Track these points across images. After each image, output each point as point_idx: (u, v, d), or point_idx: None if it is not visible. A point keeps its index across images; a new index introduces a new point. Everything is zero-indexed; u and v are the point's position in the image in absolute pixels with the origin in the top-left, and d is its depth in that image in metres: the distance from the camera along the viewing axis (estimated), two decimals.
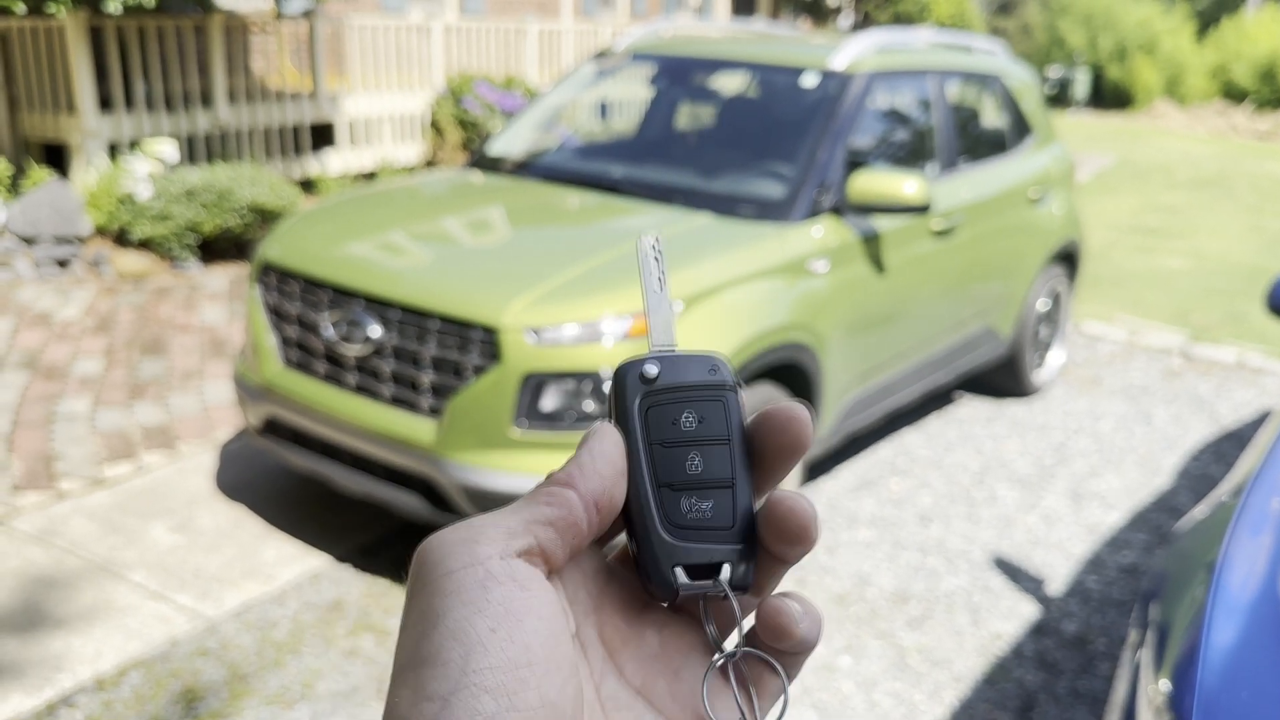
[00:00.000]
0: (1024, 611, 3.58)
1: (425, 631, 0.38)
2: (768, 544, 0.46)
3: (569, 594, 0.44)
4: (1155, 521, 4.27)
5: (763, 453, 0.47)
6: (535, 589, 0.40)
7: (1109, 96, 23.73)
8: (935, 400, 5.43)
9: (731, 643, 0.47)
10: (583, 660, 0.44)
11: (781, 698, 0.45)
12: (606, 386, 3.18)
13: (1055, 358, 5.74)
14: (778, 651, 0.45)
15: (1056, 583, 3.78)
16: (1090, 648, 3.38)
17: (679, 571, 0.45)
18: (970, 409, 5.41)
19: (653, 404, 0.46)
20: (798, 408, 0.46)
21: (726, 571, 0.45)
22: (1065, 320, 5.80)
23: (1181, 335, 6.80)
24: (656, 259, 0.49)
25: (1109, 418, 5.37)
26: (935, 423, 5.20)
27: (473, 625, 0.38)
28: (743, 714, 0.45)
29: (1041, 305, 5.44)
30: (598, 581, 0.46)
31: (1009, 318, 5.18)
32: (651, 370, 0.47)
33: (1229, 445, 5.08)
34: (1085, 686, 3.18)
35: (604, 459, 0.44)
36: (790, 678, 0.46)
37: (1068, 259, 5.66)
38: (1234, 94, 22.94)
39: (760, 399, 3.51)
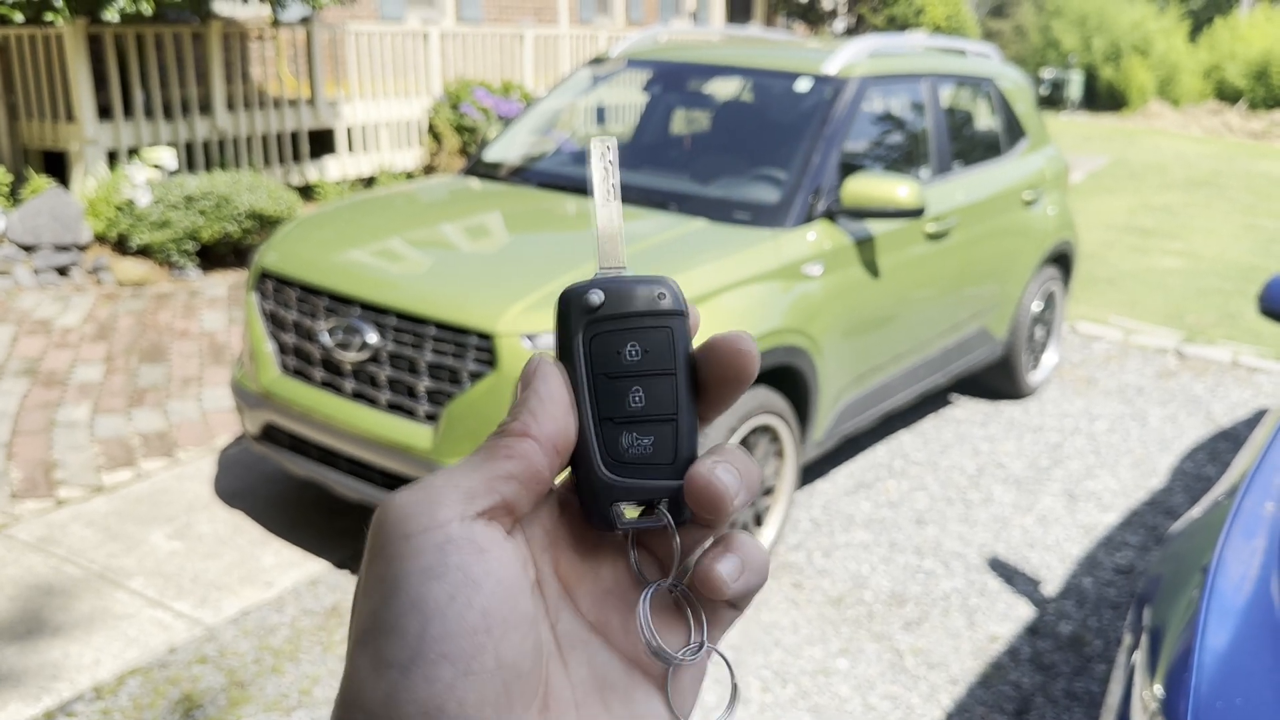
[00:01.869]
0: (1020, 613, 3.60)
1: (384, 599, 0.38)
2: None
3: (525, 533, 0.44)
4: (1151, 522, 4.29)
5: (707, 382, 0.45)
6: (494, 551, 0.40)
7: (1103, 97, 23.77)
8: (931, 402, 5.45)
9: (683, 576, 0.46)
10: (540, 601, 0.43)
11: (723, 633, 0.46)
12: None
13: (1050, 359, 5.76)
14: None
15: (1052, 584, 3.80)
16: (1086, 649, 3.40)
17: (619, 508, 0.44)
18: (965, 410, 5.43)
19: (596, 334, 0.45)
20: (744, 337, 0.45)
21: (665, 507, 0.45)
22: (1060, 321, 5.82)
23: (1176, 335, 6.83)
24: (608, 166, 0.46)
25: (1104, 418, 5.39)
26: (931, 424, 5.22)
27: (431, 593, 0.38)
28: (689, 643, 0.44)
29: (1036, 307, 5.46)
30: (551, 516, 0.45)
31: (1004, 319, 5.20)
32: (595, 298, 0.45)
33: (1224, 445, 5.10)
34: (1081, 688, 3.20)
35: (552, 399, 0.43)
36: (739, 610, 0.46)
37: (1062, 260, 5.69)
38: (1227, 94, 22.99)
39: (756, 403, 3.53)
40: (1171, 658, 1.71)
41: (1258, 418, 5.49)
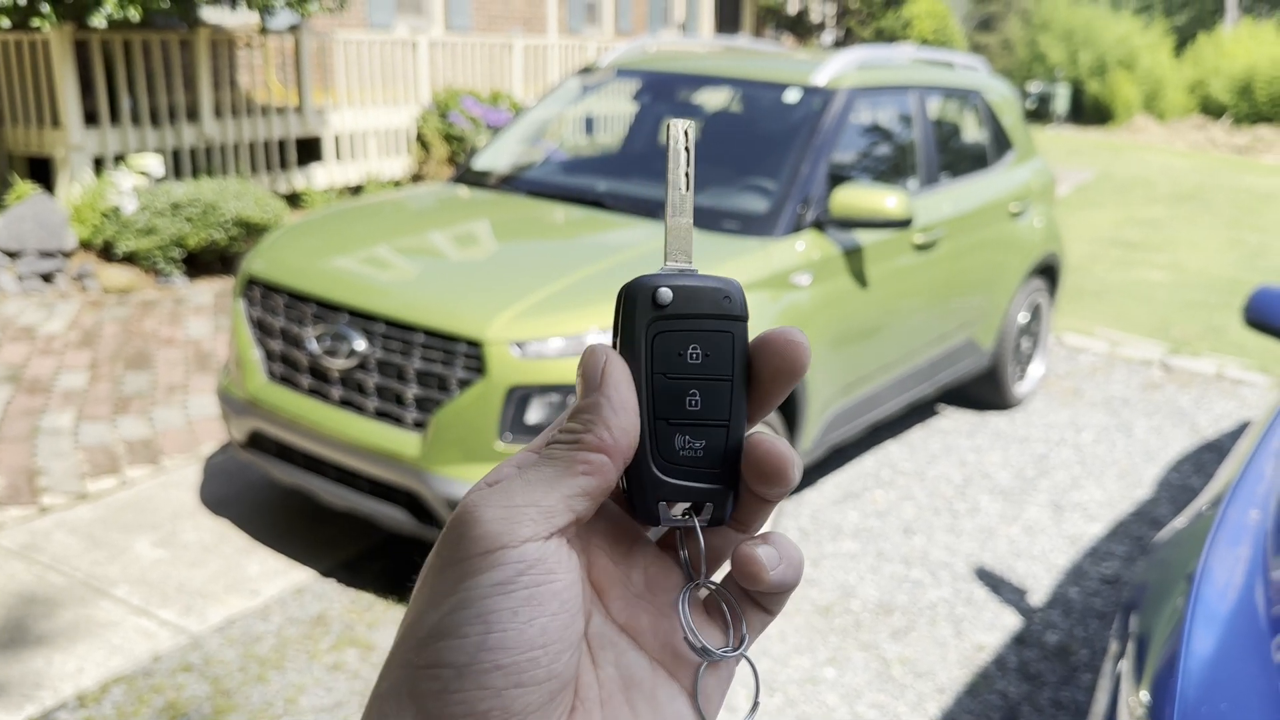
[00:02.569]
0: (1006, 623, 3.60)
1: (454, 606, 0.40)
2: (749, 483, 0.46)
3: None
4: (1136, 533, 4.30)
5: (760, 376, 0.46)
6: (561, 572, 0.41)
7: (1089, 111, 23.95)
8: (918, 412, 5.46)
9: (716, 577, 0.48)
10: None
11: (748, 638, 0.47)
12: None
13: (1036, 370, 5.79)
14: (758, 593, 0.46)
15: (1039, 594, 3.81)
16: (1073, 659, 3.41)
17: (663, 506, 0.45)
18: (952, 421, 5.44)
19: (660, 331, 0.45)
20: (795, 331, 0.45)
21: (707, 511, 0.46)
22: (1046, 332, 5.84)
23: (1162, 348, 6.86)
24: (687, 150, 0.46)
25: (1090, 429, 5.41)
26: (918, 435, 5.24)
27: (497, 606, 0.40)
28: (727, 642, 0.46)
29: (1022, 318, 5.49)
30: (589, 520, 0.46)
31: (990, 330, 5.22)
32: (665, 295, 0.45)
33: (1209, 457, 5.13)
34: (1068, 698, 3.21)
35: (625, 408, 0.43)
36: (772, 614, 0.47)
37: (1048, 272, 5.72)
38: (1212, 109, 23.19)
39: None
40: (1157, 664, 1.71)
41: (1242, 429, 5.51)
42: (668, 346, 0.45)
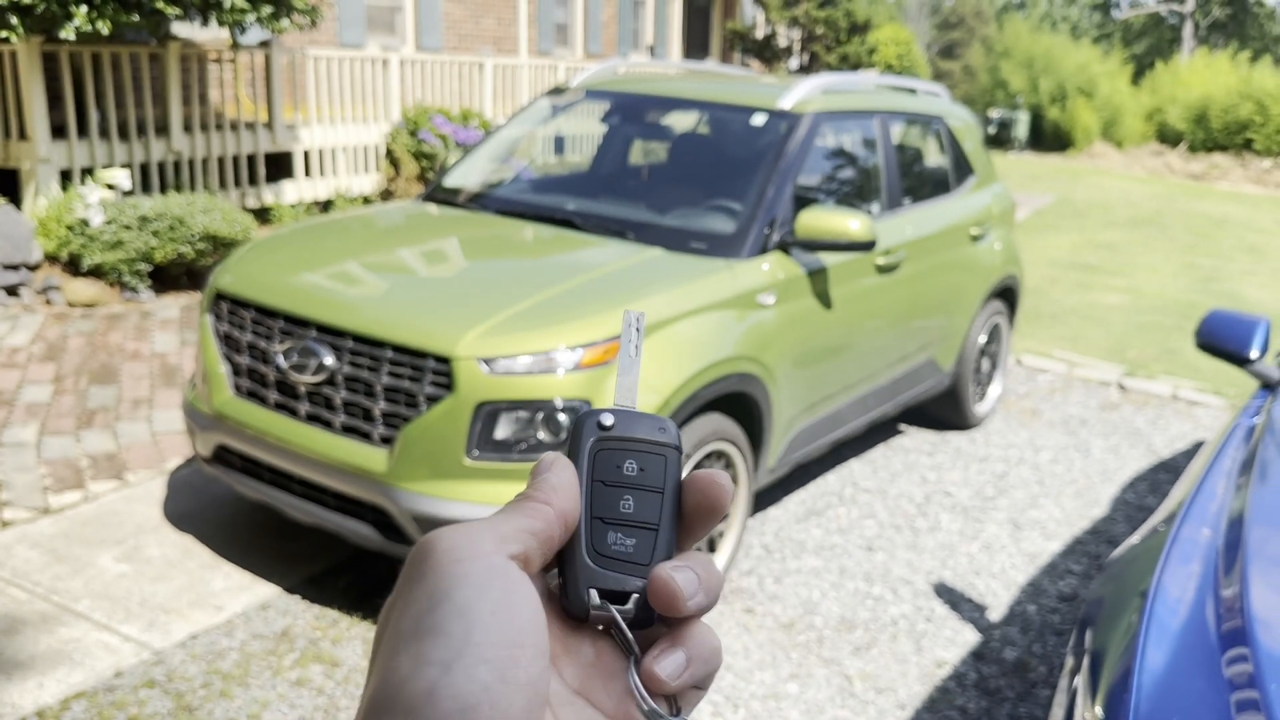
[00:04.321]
0: (966, 639, 3.67)
1: (430, 608, 0.43)
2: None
3: None
4: (1094, 551, 4.39)
5: (687, 510, 0.52)
6: (524, 586, 0.45)
7: (1049, 137, 24.37)
8: (880, 431, 5.54)
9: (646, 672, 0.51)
10: None
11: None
12: (561, 416, 3.25)
13: (995, 390, 5.89)
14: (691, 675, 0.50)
15: (998, 610, 3.88)
16: (1031, 675, 3.47)
17: (592, 593, 0.50)
18: (914, 440, 5.52)
19: (603, 448, 0.52)
20: (721, 475, 0.51)
21: (632, 602, 0.50)
22: (1005, 354, 5.95)
23: (1118, 369, 7.00)
24: (636, 330, 0.54)
25: (1048, 449, 5.51)
26: (880, 453, 5.31)
27: (476, 605, 0.43)
28: (669, 705, 0.49)
29: (982, 339, 5.59)
30: (542, 598, 0.50)
31: (951, 351, 5.31)
32: (608, 420, 0.52)
33: (1165, 476, 5.24)
34: (1026, 713, 3.27)
35: (565, 485, 0.50)
36: (703, 689, 0.51)
37: (1007, 294, 5.83)
38: (1168, 136, 23.68)
39: (710, 429, 3.59)
40: (1111, 679, 1.77)
41: (1197, 450, 5.64)
42: (608, 460, 0.52)
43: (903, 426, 5.68)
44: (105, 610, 3.49)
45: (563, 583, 0.51)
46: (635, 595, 0.50)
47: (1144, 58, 33.07)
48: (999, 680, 3.43)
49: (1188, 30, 38.38)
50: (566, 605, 0.50)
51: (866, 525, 4.48)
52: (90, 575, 3.69)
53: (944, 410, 5.59)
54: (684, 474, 0.53)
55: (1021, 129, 23.71)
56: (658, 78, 5.25)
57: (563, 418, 3.24)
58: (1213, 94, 22.68)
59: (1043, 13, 45.31)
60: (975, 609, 3.87)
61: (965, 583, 4.06)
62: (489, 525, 0.47)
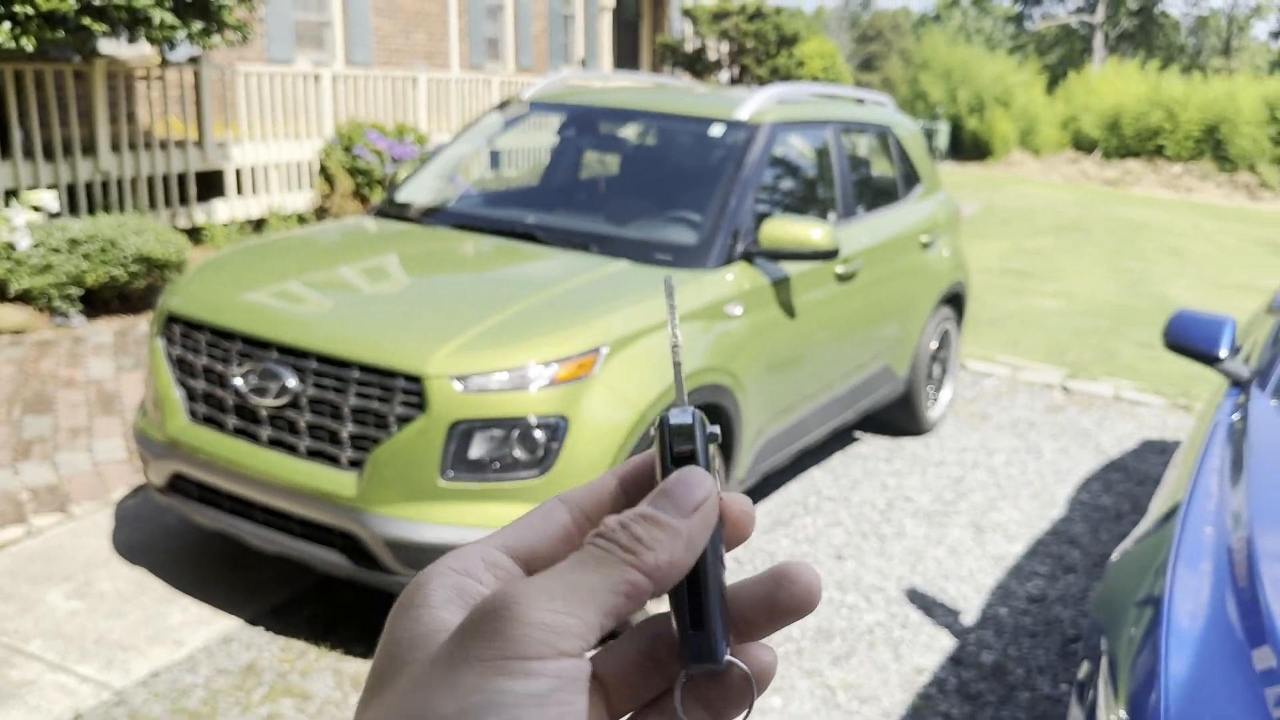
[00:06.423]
0: (942, 644, 3.68)
1: (481, 707, 0.38)
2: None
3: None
4: (1056, 552, 4.45)
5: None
6: (583, 696, 0.39)
7: (968, 147, 24.91)
8: (838, 439, 5.56)
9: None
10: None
11: None
12: (537, 433, 3.18)
13: (945, 395, 5.96)
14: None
15: (970, 614, 3.90)
16: (1009, 678, 3.49)
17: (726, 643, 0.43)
18: (870, 446, 5.56)
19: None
20: (746, 503, 0.46)
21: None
22: (955, 359, 6.03)
23: (1060, 372, 7.14)
24: (672, 307, 0.47)
25: (1001, 452, 5.59)
26: (839, 461, 5.33)
27: (528, 718, 0.37)
28: None
29: (933, 345, 5.65)
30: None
31: (905, 357, 5.36)
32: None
33: (1115, 476, 5.34)
34: (1008, 716, 3.28)
35: (694, 550, 0.42)
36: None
37: (956, 301, 5.91)
38: (1083, 144, 24.36)
39: None
40: (1135, 682, 1.76)
41: (1144, 449, 5.77)
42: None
43: (858, 434, 5.71)
44: (59, 650, 3.32)
45: (690, 629, 0.42)
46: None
47: (1057, 68, 34.06)
48: (979, 684, 3.44)
49: (1098, 41, 39.66)
50: (699, 657, 0.42)
51: (834, 533, 4.48)
52: (40, 613, 3.51)
53: (898, 416, 5.63)
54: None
55: (942, 139, 24.19)
56: (609, 90, 5.22)
57: (539, 434, 3.17)
58: (1124, 102, 23.40)
59: (958, 25, 46.43)
60: (948, 614, 3.89)
61: (936, 588, 4.07)
62: (574, 601, 0.39)
